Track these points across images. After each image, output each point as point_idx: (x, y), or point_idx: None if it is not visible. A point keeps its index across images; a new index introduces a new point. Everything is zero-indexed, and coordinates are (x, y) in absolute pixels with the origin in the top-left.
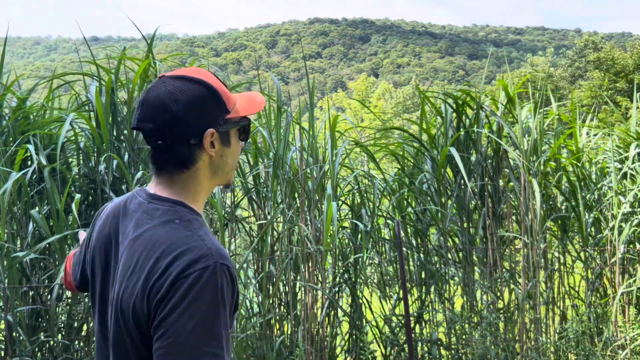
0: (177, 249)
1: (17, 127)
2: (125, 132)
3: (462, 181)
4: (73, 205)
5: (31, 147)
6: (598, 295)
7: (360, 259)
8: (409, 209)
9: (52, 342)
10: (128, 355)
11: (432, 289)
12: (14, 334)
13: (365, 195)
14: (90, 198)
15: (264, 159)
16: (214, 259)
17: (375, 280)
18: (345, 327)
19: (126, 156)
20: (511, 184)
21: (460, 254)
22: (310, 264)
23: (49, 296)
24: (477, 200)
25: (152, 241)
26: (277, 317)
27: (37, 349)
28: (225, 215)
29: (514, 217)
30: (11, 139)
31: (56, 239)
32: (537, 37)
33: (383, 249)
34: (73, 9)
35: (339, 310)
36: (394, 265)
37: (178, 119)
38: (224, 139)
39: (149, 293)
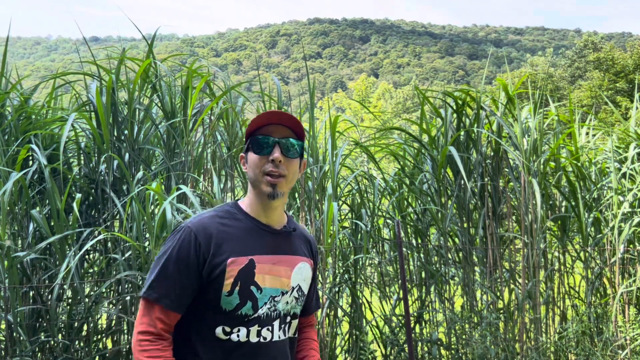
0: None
1: (19, 126)
2: (126, 132)
3: (462, 181)
4: (74, 205)
5: (34, 148)
6: (598, 295)
7: (360, 259)
8: (409, 209)
9: (52, 342)
10: None
11: (432, 289)
12: (14, 334)
13: (365, 195)
14: (91, 198)
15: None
16: (185, 223)
17: (375, 280)
18: (345, 327)
19: (127, 156)
20: (511, 184)
21: (460, 254)
22: None
23: (49, 296)
24: (477, 200)
25: None
26: None
27: (37, 349)
28: None
29: (514, 217)
30: (13, 138)
31: (57, 239)
32: (537, 37)
33: (383, 249)
34: (73, 9)
35: (339, 310)
36: (394, 265)
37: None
38: (246, 157)
39: None
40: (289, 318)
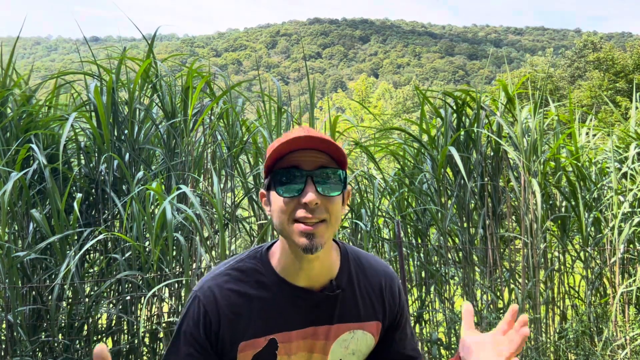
0: (202, 278)
1: (19, 125)
2: (126, 132)
3: (462, 181)
4: (74, 205)
5: (34, 147)
6: (598, 295)
7: None
8: (409, 209)
9: (52, 342)
10: None
11: (432, 288)
12: (14, 333)
13: (365, 195)
14: (91, 198)
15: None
16: (197, 291)
17: None
18: None
19: (127, 156)
20: (511, 183)
21: (460, 254)
22: None
23: (49, 296)
24: (477, 200)
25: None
26: None
27: (37, 349)
28: (226, 215)
29: (513, 217)
30: (13, 137)
31: (57, 239)
32: (536, 37)
33: (383, 249)
34: (73, 9)
35: None
36: (394, 265)
37: None
38: (268, 197)
39: None
40: None
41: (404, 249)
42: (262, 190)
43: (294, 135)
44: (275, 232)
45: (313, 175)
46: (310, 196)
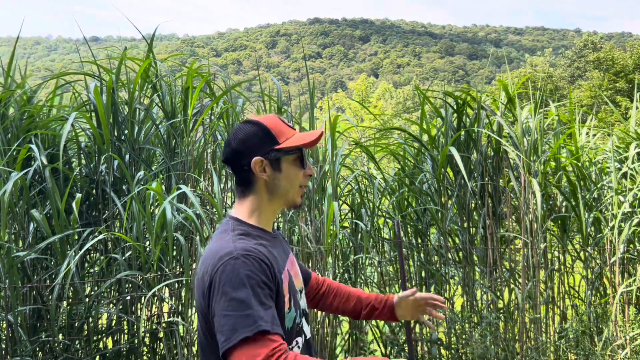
0: (217, 254)
1: (20, 126)
2: (126, 132)
3: (462, 181)
4: (74, 205)
5: (34, 147)
6: (598, 294)
7: (360, 259)
8: (409, 209)
9: (52, 342)
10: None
11: (432, 288)
12: (14, 333)
13: (365, 195)
14: (92, 198)
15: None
16: (237, 252)
17: (375, 280)
18: (345, 327)
19: (127, 156)
20: (511, 183)
21: (460, 254)
22: (310, 264)
23: (49, 296)
24: (477, 200)
25: (207, 251)
26: None
27: (37, 349)
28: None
29: (514, 217)
30: (14, 137)
31: (57, 239)
32: (536, 37)
33: (383, 249)
34: (73, 9)
35: None
36: (394, 265)
37: (235, 151)
38: (274, 165)
39: (204, 292)
40: (307, 309)
41: (404, 249)
42: (259, 158)
43: (319, 137)
44: None
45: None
46: (313, 171)
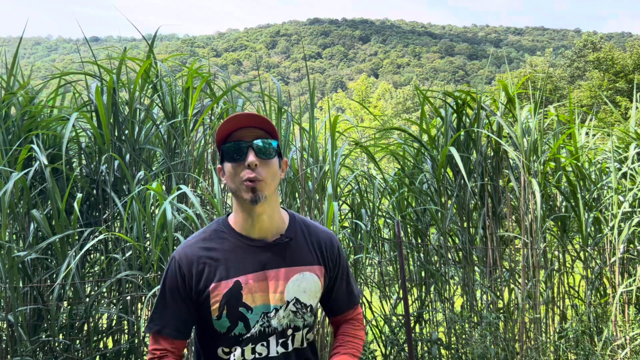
0: None
1: (21, 126)
2: (127, 132)
3: (462, 181)
4: (75, 205)
5: (36, 147)
6: (598, 294)
7: (360, 259)
8: (409, 209)
9: (52, 342)
10: None
11: (432, 288)
12: (15, 333)
13: (365, 195)
14: (92, 198)
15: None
16: (173, 253)
17: (375, 280)
18: None
19: (127, 156)
20: (511, 184)
21: (460, 254)
22: None
23: (50, 296)
24: (477, 200)
25: None
26: None
27: (37, 349)
28: None
29: (513, 217)
30: (16, 138)
31: (57, 239)
32: (536, 37)
33: (383, 248)
34: (73, 9)
35: None
36: (394, 265)
37: None
38: (223, 168)
39: None
40: (290, 331)
41: (404, 249)
42: (218, 165)
43: (235, 118)
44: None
45: (252, 145)
46: (250, 159)
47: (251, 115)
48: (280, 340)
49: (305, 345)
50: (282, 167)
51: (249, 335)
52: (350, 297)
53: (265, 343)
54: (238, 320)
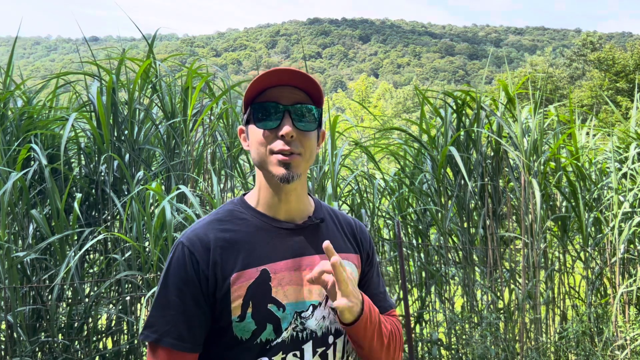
0: None
1: (20, 126)
2: (126, 132)
3: (462, 181)
4: (74, 205)
5: (35, 147)
6: (598, 295)
7: None
8: (409, 209)
9: (52, 342)
10: None
11: (432, 289)
12: (14, 334)
13: (365, 195)
14: (91, 198)
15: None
16: (179, 239)
17: None
18: None
19: (127, 156)
20: (511, 184)
21: (460, 254)
22: None
23: (49, 296)
24: (477, 200)
25: None
26: None
27: (37, 349)
28: None
29: (514, 217)
30: (14, 138)
31: (57, 239)
32: (536, 37)
33: (383, 249)
34: (73, 9)
35: None
36: (394, 265)
37: None
38: (247, 131)
39: None
40: (331, 338)
41: (404, 249)
42: (240, 126)
43: (275, 72)
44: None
45: (290, 110)
46: (287, 129)
47: (295, 72)
48: (319, 350)
49: (350, 357)
50: (319, 140)
51: (279, 340)
52: (385, 295)
53: (298, 353)
54: (266, 322)
